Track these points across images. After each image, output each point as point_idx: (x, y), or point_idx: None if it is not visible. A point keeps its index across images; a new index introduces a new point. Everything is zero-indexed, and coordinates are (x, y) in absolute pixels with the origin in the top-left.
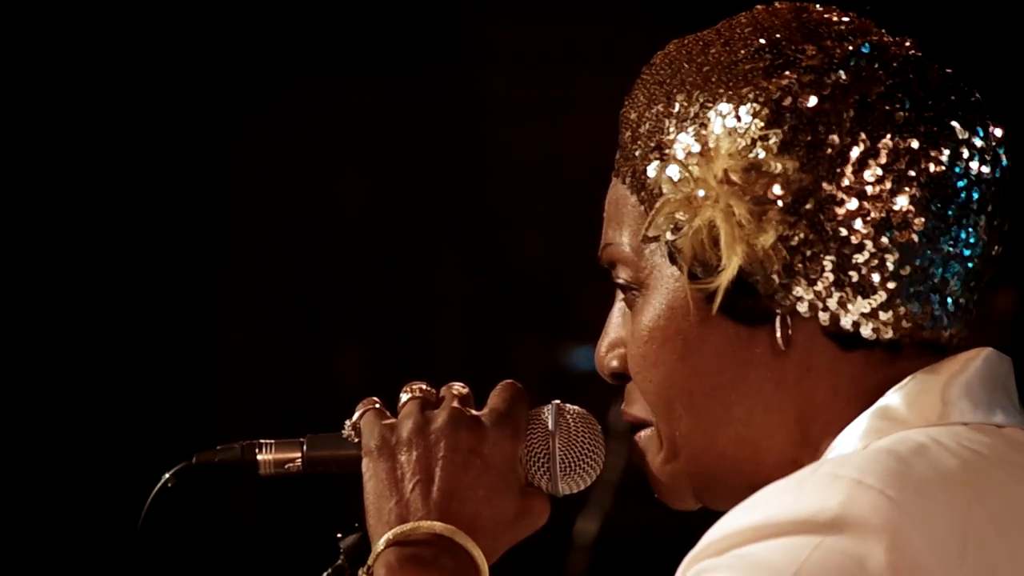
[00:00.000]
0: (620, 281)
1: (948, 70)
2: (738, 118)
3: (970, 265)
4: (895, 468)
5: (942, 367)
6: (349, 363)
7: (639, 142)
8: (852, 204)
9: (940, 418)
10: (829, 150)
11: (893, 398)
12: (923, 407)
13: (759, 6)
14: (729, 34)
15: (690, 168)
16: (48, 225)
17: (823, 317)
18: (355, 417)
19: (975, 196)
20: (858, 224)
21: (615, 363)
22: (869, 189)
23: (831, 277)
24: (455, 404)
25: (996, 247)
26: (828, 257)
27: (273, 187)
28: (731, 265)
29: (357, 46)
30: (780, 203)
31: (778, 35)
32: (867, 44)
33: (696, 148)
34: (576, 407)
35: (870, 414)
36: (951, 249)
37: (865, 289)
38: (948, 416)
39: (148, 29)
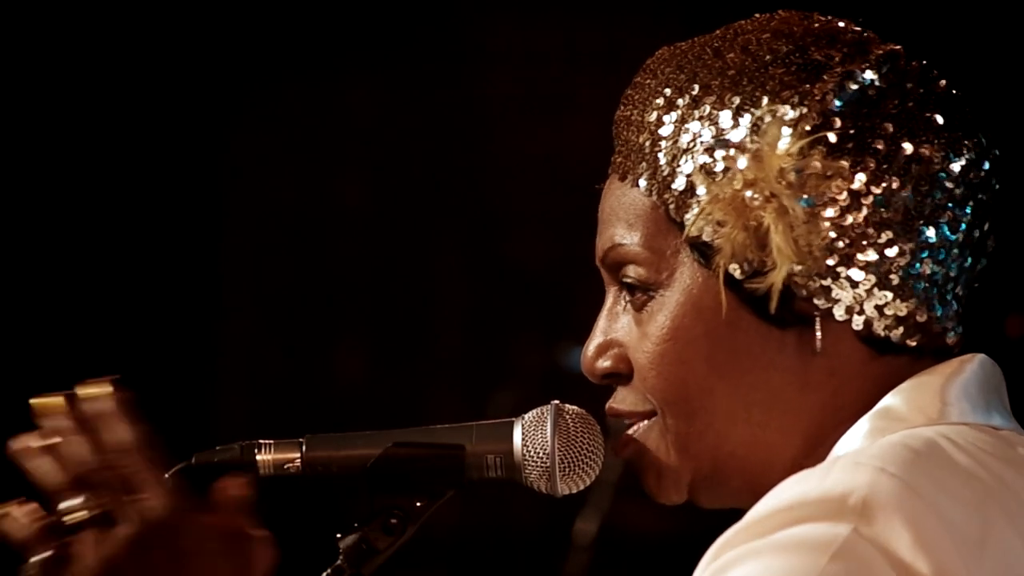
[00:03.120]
0: (630, 282)
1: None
2: (787, 121)
3: (974, 272)
4: (912, 459)
5: (938, 369)
6: (349, 363)
7: (660, 144)
8: (897, 207)
9: (941, 417)
10: (877, 152)
11: (893, 400)
12: (923, 406)
13: (758, 14)
14: (744, 40)
15: (738, 169)
16: (48, 224)
17: (857, 321)
18: (33, 562)
19: (986, 204)
20: (901, 228)
21: (608, 363)
22: (914, 192)
23: (872, 279)
24: (128, 520)
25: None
26: (872, 259)
27: (273, 186)
28: (783, 265)
29: (357, 46)
30: (834, 204)
31: (801, 41)
32: (891, 50)
33: (744, 150)
34: (575, 407)
35: (871, 416)
36: (970, 256)
37: (904, 293)
38: (948, 416)
39: (148, 28)
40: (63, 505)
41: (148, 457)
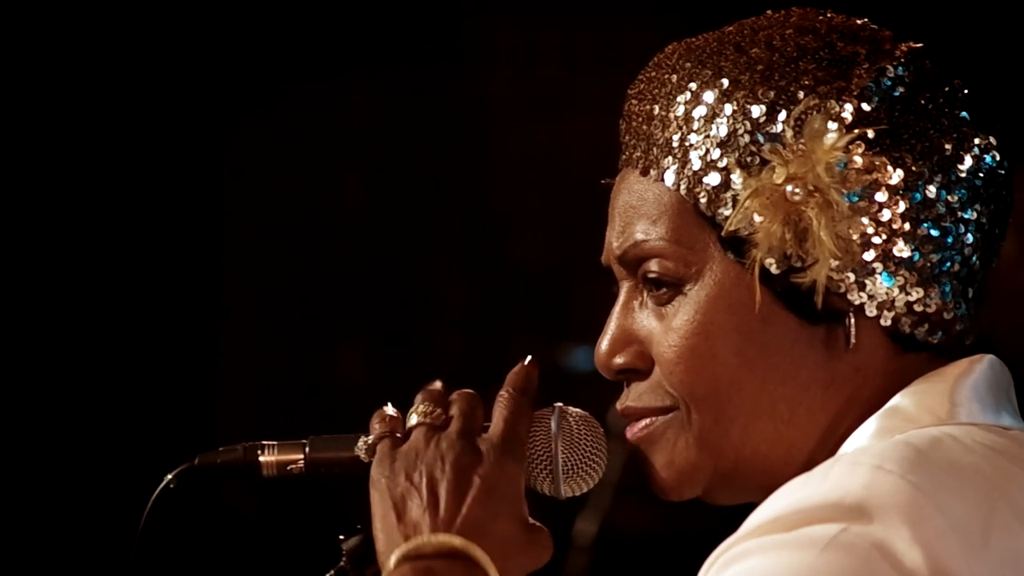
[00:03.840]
0: (654, 277)
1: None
2: (831, 116)
3: (989, 269)
4: (913, 456)
5: (948, 370)
6: (349, 363)
7: (690, 138)
8: (931, 203)
9: (949, 417)
10: (912, 148)
11: (902, 399)
12: (932, 406)
13: (770, 11)
14: (767, 35)
15: (780, 164)
16: (48, 224)
17: (887, 317)
18: (371, 439)
19: (1006, 201)
20: (935, 224)
21: (625, 359)
22: (947, 188)
23: (906, 275)
24: (460, 427)
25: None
26: (907, 255)
27: (273, 186)
28: (825, 259)
29: (357, 46)
30: (873, 199)
31: (827, 37)
32: (914, 48)
33: (784, 144)
34: (578, 410)
35: (880, 415)
36: (991, 254)
37: (934, 290)
38: (957, 416)
39: (149, 28)
40: (413, 409)
41: (520, 409)
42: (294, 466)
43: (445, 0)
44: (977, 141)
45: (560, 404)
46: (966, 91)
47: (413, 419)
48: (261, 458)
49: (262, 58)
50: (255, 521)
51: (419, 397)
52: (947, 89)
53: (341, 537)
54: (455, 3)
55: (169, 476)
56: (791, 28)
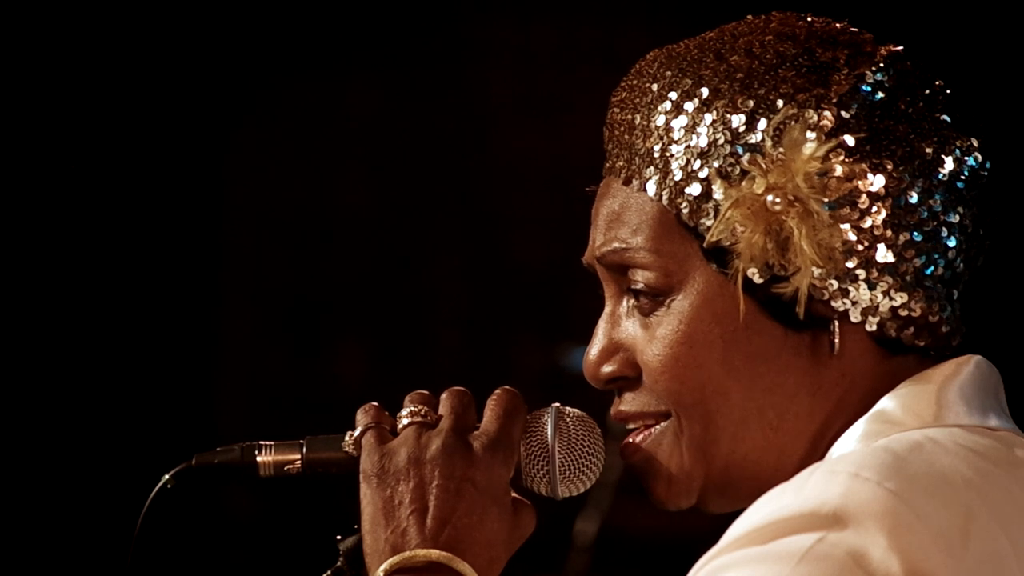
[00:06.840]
0: (638, 287)
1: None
2: (809, 125)
3: (974, 270)
4: (891, 462)
5: (935, 372)
6: (349, 363)
7: (671, 148)
8: (912, 208)
9: (935, 420)
10: (893, 153)
11: (888, 403)
12: (918, 409)
13: (750, 16)
14: (746, 42)
15: (760, 174)
16: (48, 224)
17: (872, 322)
18: (356, 433)
19: (988, 203)
20: (917, 229)
21: (613, 368)
22: (928, 193)
23: (889, 281)
24: (451, 425)
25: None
26: (890, 261)
27: (273, 186)
28: (807, 268)
29: (357, 46)
30: (854, 206)
31: (806, 43)
32: (894, 51)
33: (764, 154)
34: (576, 410)
35: (866, 419)
36: (975, 256)
37: (918, 294)
38: (943, 418)
39: (149, 28)
40: (404, 408)
41: (504, 419)
42: (291, 466)
43: (445, 0)
44: (958, 143)
45: (558, 404)
46: (947, 93)
47: (405, 419)
48: (258, 458)
49: (264, 58)
50: (252, 521)
51: (409, 398)
52: (927, 92)
53: (338, 537)
54: (455, 3)
55: (167, 476)
56: (771, 34)
